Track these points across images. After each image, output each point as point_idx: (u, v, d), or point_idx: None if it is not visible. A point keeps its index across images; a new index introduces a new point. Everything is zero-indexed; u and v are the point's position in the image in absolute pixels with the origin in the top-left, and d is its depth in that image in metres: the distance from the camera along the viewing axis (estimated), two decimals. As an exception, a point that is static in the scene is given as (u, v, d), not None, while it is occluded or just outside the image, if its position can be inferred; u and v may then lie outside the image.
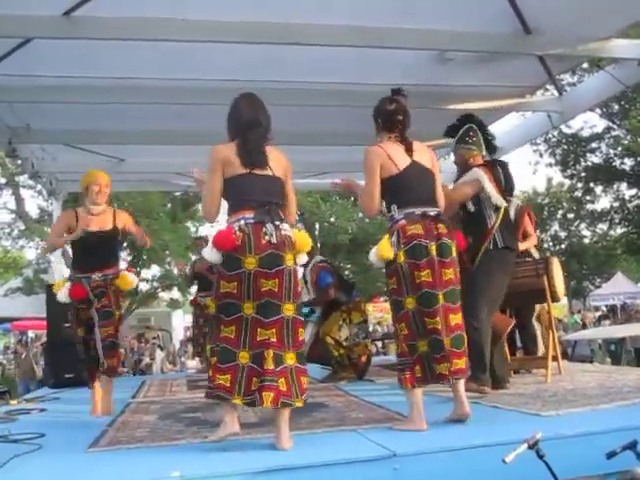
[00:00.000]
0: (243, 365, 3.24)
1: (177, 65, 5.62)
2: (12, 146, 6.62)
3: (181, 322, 28.36)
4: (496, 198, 4.59)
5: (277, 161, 3.49)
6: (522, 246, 5.82)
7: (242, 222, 3.30)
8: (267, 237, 3.28)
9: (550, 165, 24.10)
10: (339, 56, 5.35)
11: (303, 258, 3.51)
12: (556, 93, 6.76)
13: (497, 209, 4.65)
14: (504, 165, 5.18)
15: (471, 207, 4.68)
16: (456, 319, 3.62)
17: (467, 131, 4.80)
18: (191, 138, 7.25)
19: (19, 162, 8.90)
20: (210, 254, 3.34)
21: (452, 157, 6.04)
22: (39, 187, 16.23)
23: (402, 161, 3.67)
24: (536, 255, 6.11)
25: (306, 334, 7.54)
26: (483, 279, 4.57)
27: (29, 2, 4.31)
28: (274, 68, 5.56)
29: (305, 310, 7.92)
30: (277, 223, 3.34)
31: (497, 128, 7.58)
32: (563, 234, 32.71)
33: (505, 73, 5.99)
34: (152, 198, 17.44)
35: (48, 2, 4.33)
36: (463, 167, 4.86)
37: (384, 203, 3.75)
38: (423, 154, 3.77)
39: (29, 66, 5.39)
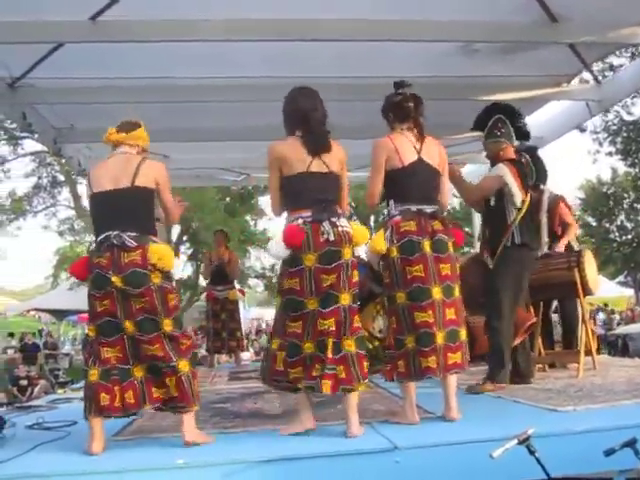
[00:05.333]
0: (310, 355, 3.37)
1: (213, 63, 5.72)
2: (58, 146, 6.89)
3: (242, 314, 28.71)
4: (517, 197, 4.55)
5: (333, 154, 3.52)
6: (564, 240, 5.70)
7: (300, 221, 3.40)
8: (325, 235, 3.37)
9: (610, 154, 23.28)
10: (364, 49, 5.36)
11: (360, 250, 3.58)
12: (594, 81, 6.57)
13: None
14: (533, 152, 5.10)
15: (492, 202, 4.64)
16: (450, 314, 3.61)
17: (495, 123, 4.74)
18: (233, 134, 7.38)
19: (63, 160, 9.20)
20: (279, 250, 3.45)
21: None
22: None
23: (408, 156, 3.66)
24: (575, 246, 5.97)
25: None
26: (501, 278, 4.56)
27: (56, 8, 4.47)
28: (300, 63, 5.58)
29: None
30: (334, 220, 3.42)
31: (537, 118, 7.47)
32: (629, 224, 31.64)
33: (538, 62, 5.85)
34: (206, 193, 17.76)
35: (74, 8, 4.48)
36: (494, 161, 4.81)
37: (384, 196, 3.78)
38: (432, 151, 3.75)
39: (68, 68, 5.58)
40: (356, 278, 3.49)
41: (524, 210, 4.60)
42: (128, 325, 3.32)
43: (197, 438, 3.35)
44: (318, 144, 3.45)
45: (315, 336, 3.37)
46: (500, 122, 4.75)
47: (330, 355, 3.33)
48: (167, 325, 3.34)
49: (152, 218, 3.50)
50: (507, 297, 4.53)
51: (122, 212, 3.37)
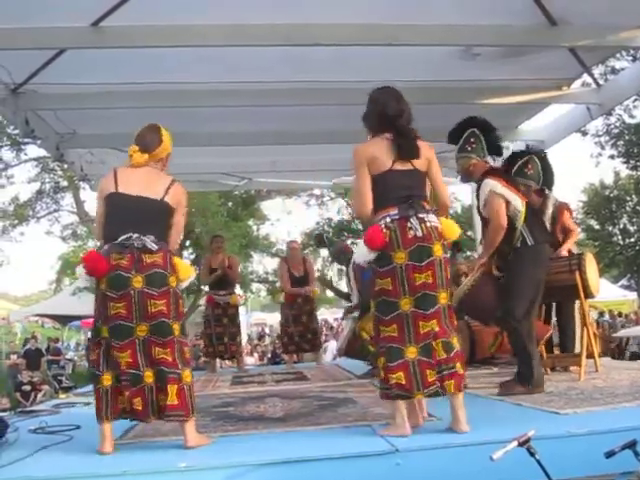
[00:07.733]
0: (412, 360, 3.30)
1: (215, 68, 5.76)
2: (60, 151, 6.92)
3: (244, 319, 28.72)
4: (517, 201, 4.51)
5: (421, 153, 3.45)
6: (566, 246, 5.68)
7: (387, 219, 3.35)
8: (412, 231, 3.32)
9: (612, 157, 23.23)
10: (365, 54, 5.39)
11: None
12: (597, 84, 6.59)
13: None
14: (543, 157, 5.11)
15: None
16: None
17: (467, 138, 4.65)
18: (235, 139, 7.39)
19: (65, 166, 9.24)
20: (363, 253, 3.42)
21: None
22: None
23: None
24: (575, 250, 5.95)
25: (345, 330, 7.59)
26: (516, 279, 4.54)
27: (58, 14, 4.50)
28: (301, 67, 5.59)
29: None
30: (421, 216, 3.35)
31: (538, 122, 7.51)
32: (633, 228, 31.57)
33: (538, 66, 5.87)
34: (209, 197, 17.78)
35: (76, 14, 4.52)
36: (464, 175, 4.79)
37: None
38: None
39: (70, 74, 5.63)
40: (449, 275, 3.41)
41: (524, 210, 4.55)
42: (142, 328, 3.34)
43: (200, 441, 3.42)
44: (410, 150, 3.39)
45: (419, 340, 3.31)
46: (473, 137, 4.64)
47: (443, 355, 3.29)
48: (176, 330, 3.41)
49: (168, 234, 3.56)
50: (523, 298, 4.50)
51: (146, 218, 3.45)
